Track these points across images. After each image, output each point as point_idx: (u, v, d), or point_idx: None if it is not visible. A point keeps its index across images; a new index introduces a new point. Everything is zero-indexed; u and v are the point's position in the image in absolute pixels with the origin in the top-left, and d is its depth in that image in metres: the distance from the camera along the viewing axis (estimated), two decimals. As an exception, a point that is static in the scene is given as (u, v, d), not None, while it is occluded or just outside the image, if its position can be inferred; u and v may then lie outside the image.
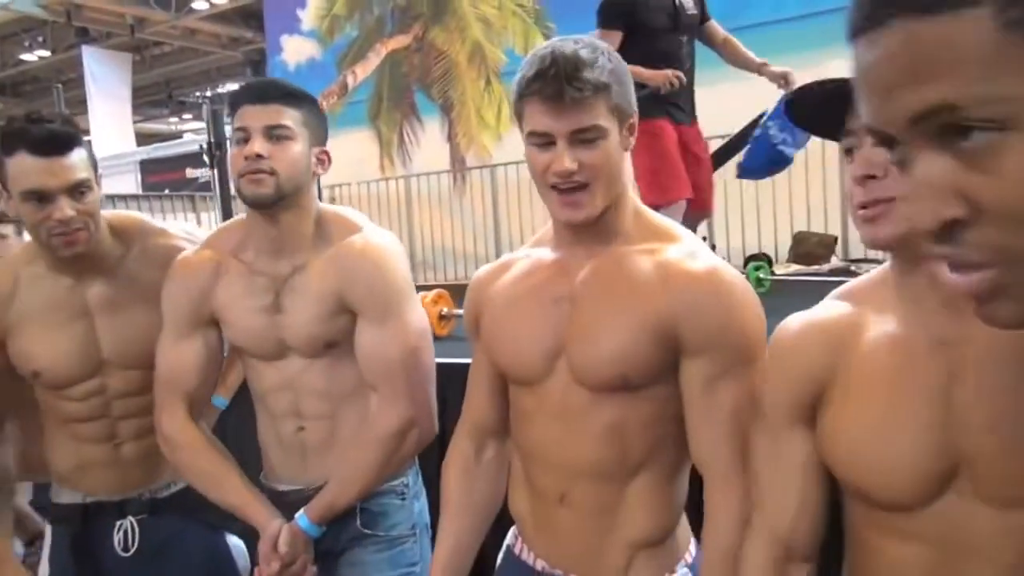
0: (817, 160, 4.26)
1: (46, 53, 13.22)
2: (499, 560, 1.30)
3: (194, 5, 11.35)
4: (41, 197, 1.39)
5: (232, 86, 14.63)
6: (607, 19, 3.10)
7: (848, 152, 0.86)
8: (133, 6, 11.49)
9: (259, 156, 1.36)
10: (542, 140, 1.06)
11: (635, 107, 1.11)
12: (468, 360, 1.32)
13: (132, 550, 1.56)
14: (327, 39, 8.07)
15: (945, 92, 0.43)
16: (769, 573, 0.94)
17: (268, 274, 1.44)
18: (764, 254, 4.34)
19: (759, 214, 4.63)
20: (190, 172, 10.07)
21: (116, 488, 1.54)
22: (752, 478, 0.99)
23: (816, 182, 4.79)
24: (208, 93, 14.65)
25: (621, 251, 1.13)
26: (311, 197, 1.45)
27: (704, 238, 4.34)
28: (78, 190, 1.41)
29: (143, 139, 14.54)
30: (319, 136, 1.46)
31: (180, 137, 16.12)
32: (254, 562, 1.54)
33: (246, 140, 1.38)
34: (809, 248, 4.69)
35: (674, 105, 3.11)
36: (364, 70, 7.71)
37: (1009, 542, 0.78)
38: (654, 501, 1.14)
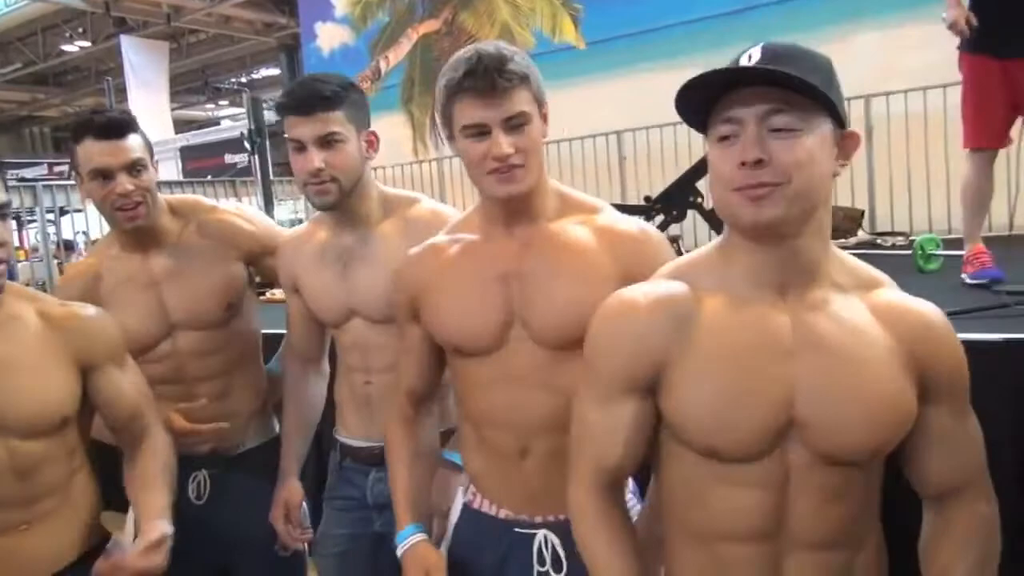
0: (858, 125, 4.31)
1: (86, 43, 13.52)
2: (455, 518, 1.41)
3: (228, -8, 11.51)
4: (105, 175, 1.61)
5: (267, 72, 14.84)
6: None
7: (724, 139, 0.95)
8: (169, -5, 11.74)
9: (319, 170, 1.49)
10: (477, 131, 1.19)
11: (545, 98, 1.24)
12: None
13: (204, 498, 1.76)
14: (360, 25, 8.23)
15: None
16: (597, 494, 1.09)
17: (335, 247, 1.62)
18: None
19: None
20: (228, 158, 10.32)
21: (191, 444, 1.71)
22: (578, 425, 1.10)
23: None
24: (244, 79, 14.90)
25: (551, 227, 1.27)
26: (368, 178, 1.61)
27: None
28: (135, 168, 1.63)
29: (180, 126, 14.84)
30: (363, 120, 1.57)
31: (217, 123, 16.42)
32: (314, 523, 1.76)
33: (300, 149, 1.51)
34: (836, 222, 4.68)
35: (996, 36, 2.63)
36: (396, 55, 7.85)
37: (827, 483, 0.97)
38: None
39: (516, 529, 1.32)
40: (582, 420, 1.09)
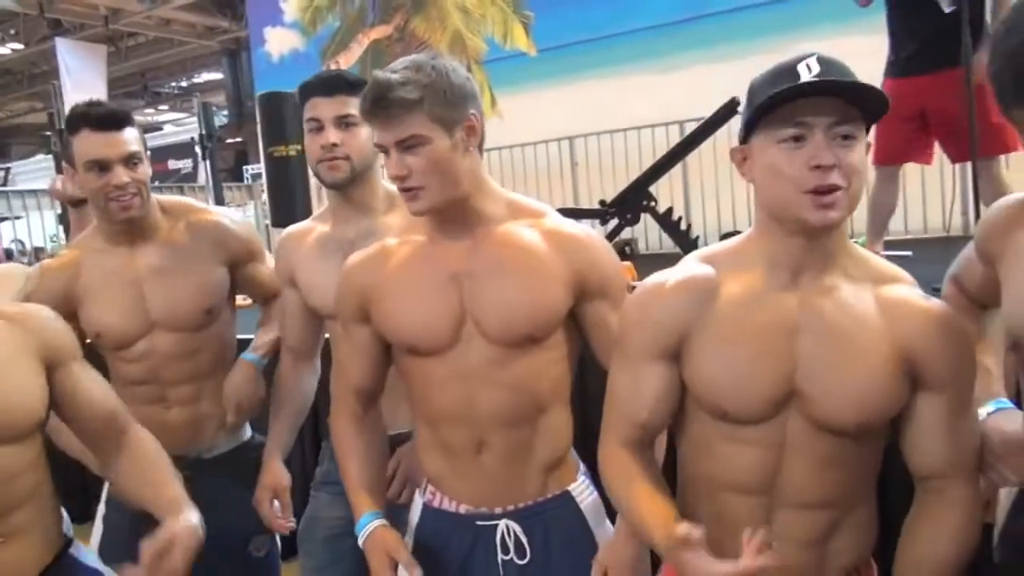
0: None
1: (19, 46, 13.12)
2: (415, 519, 1.44)
3: (169, -5, 11.31)
4: (101, 166, 1.64)
5: (209, 76, 14.58)
6: None
7: (792, 140, 1.01)
8: (107, -3, 11.46)
9: (334, 145, 1.58)
10: (383, 151, 1.28)
11: (467, 112, 1.27)
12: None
13: None
14: (310, 30, 8.16)
15: None
16: (622, 448, 1.18)
17: (338, 239, 1.65)
18: (740, 232, 4.54)
19: (733, 191, 4.78)
20: (173, 163, 10.12)
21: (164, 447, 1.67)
22: (610, 392, 1.21)
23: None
24: (185, 83, 14.63)
25: (498, 230, 1.32)
26: (377, 172, 1.66)
27: (680, 217, 4.52)
28: (131, 161, 1.66)
29: (120, 131, 14.45)
30: None
31: (159, 128, 16.07)
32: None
33: (319, 129, 1.60)
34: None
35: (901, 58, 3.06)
36: (347, 60, 7.80)
37: (819, 449, 1.08)
38: (559, 430, 1.35)
39: (478, 522, 1.35)
40: (613, 385, 1.20)
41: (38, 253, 7.37)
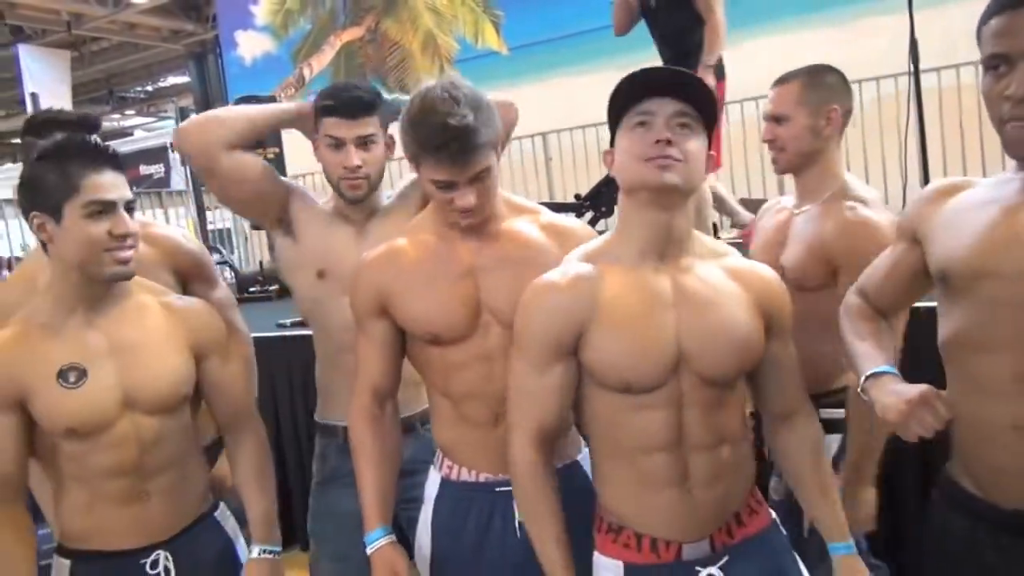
0: (753, 125, 4.63)
1: (-21, 53, 12.89)
2: (432, 495, 1.54)
3: (132, -1, 11.20)
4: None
5: (175, 80, 14.45)
6: None
7: (642, 125, 1.24)
8: (69, 2, 11.32)
9: (358, 167, 1.73)
10: (444, 186, 1.39)
11: (500, 132, 1.43)
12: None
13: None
14: (281, 33, 8.22)
15: None
16: (537, 451, 1.34)
17: (351, 217, 1.85)
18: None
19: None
20: (144, 169, 10.08)
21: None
22: (518, 392, 1.35)
23: (753, 147, 5.18)
24: (151, 88, 14.49)
25: (503, 227, 1.48)
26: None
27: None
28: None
29: (86, 137, 14.27)
30: (387, 123, 1.79)
31: (128, 134, 15.89)
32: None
33: (339, 147, 1.73)
34: (753, 209, 5.07)
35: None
36: (320, 62, 7.88)
37: (708, 399, 1.29)
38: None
39: (497, 489, 1.48)
40: (522, 387, 1.34)
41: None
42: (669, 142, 1.21)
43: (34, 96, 7.86)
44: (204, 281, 1.95)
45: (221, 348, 1.65)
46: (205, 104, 13.65)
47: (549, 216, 1.53)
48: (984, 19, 1.10)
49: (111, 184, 1.48)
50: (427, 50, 7.26)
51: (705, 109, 1.26)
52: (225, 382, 1.65)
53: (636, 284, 1.29)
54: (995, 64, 1.09)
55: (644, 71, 1.25)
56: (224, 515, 1.67)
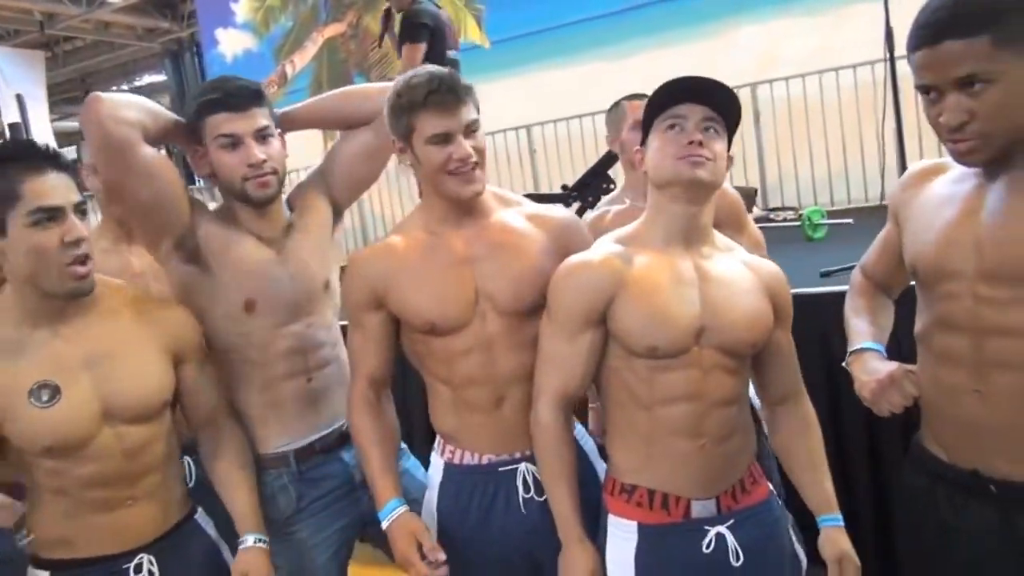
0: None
1: (-49, 55, 12.72)
2: (436, 481, 1.59)
3: (106, -2, 11.09)
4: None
5: (151, 78, 14.34)
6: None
7: (673, 127, 1.37)
8: (42, 1, 11.19)
9: (264, 161, 1.56)
10: (442, 139, 1.43)
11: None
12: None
13: None
14: (262, 30, 8.19)
15: (969, 69, 1.09)
16: (559, 414, 1.44)
17: (265, 236, 1.67)
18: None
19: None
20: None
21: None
22: (546, 358, 1.44)
23: (736, 135, 5.28)
24: (127, 87, 14.36)
25: (493, 219, 1.54)
26: None
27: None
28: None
29: (62, 138, 14.16)
30: (276, 121, 1.65)
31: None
32: None
33: (235, 145, 1.56)
34: (733, 200, 5.17)
35: None
36: (302, 59, 7.87)
37: (724, 364, 1.39)
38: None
39: (501, 468, 1.54)
40: (551, 353, 1.44)
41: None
42: (700, 143, 1.33)
43: (19, 97, 7.71)
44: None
45: (198, 353, 1.58)
46: (182, 102, 13.59)
47: (533, 207, 1.60)
48: (909, 48, 1.19)
49: (55, 187, 1.34)
50: (409, 45, 7.28)
51: (730, 115, 1.38)
52: (202, 384, 1.59)
53: (663, 264, 1.40)
54: (927, 92, 1.18)
55: (679, 79, 1.37)
56: (205, 518, 1.62)
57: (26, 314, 1.40)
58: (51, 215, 1.33)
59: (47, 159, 1.35)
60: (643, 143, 1.43)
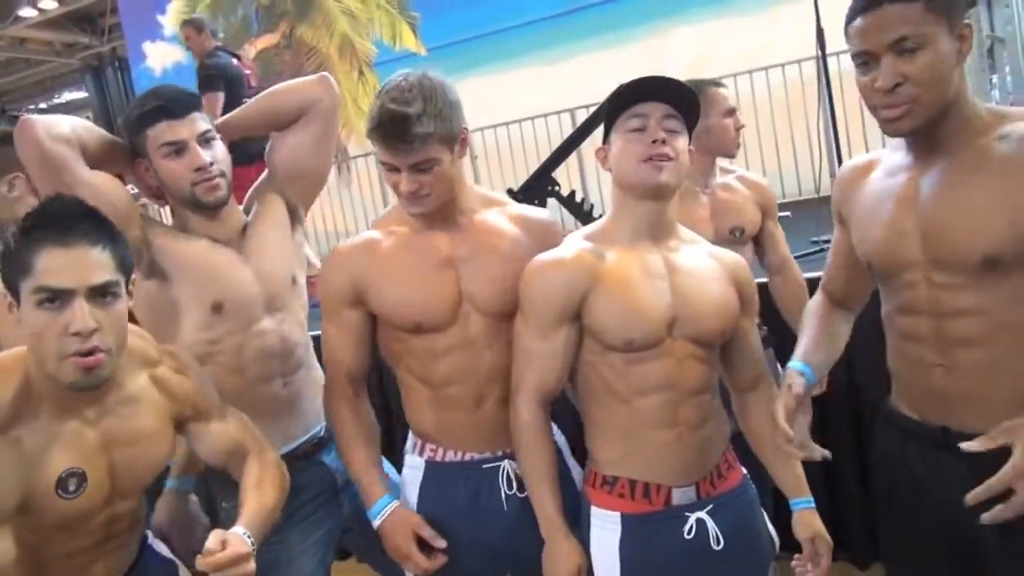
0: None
1: None
2: (417, 480, 1.58)
3: (20, 13, 10.69)
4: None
5: (71, 95, 13.85)
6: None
7: (637, 130, 1.40)
8: (-49, 20, 10.73)
9: (212, 164, 1.56)
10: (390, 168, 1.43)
11: (461, 127, 1.45)
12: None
13: None
14: (191, 43, 8.00)
15: (903, 31, 1.16)
16: (538, 410, 1.46)
17: (223, 239, 1.66)
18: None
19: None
20: (48, 189, 9.64)
21: None
22: (523, 356, 1.46)
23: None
24: (45, 104, 13.85)
25: (476, 219, 1.54)
26: None
27: (583, 198, 4.80)
28: None
29: (-23, 160, 13.53)
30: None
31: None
32: None
33: (179, 152, 1.55)
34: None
35: None
36: (235, 71, 7.72)
37: (696, 354, 1.44)
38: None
39: (484, 466, 1.55)
40: (526, 351, 1.45)
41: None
42: (664, 141, 1.37)
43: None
44: None
45: (215, 412, 1.50)
46: (106, 119, 13.17)
47: (516, 207, 1.61)
48: (848, 19, 1.25)
49: (68, 266, 1.17)
50: (344, 54, 7.21)
51: (689, 112, 1.42)
52: (218, 434, 1.50)
53: (633, 258, 1.43)
54: (863, 60, 1.23)
55: (640, 79, 1.40)
56: (155, 540, 1.56)
57: (50, 401, 1.27)
58: (53, 297, 1.17)
59: (81, 225, 1.19)
60: (604, 141, 1.46)
